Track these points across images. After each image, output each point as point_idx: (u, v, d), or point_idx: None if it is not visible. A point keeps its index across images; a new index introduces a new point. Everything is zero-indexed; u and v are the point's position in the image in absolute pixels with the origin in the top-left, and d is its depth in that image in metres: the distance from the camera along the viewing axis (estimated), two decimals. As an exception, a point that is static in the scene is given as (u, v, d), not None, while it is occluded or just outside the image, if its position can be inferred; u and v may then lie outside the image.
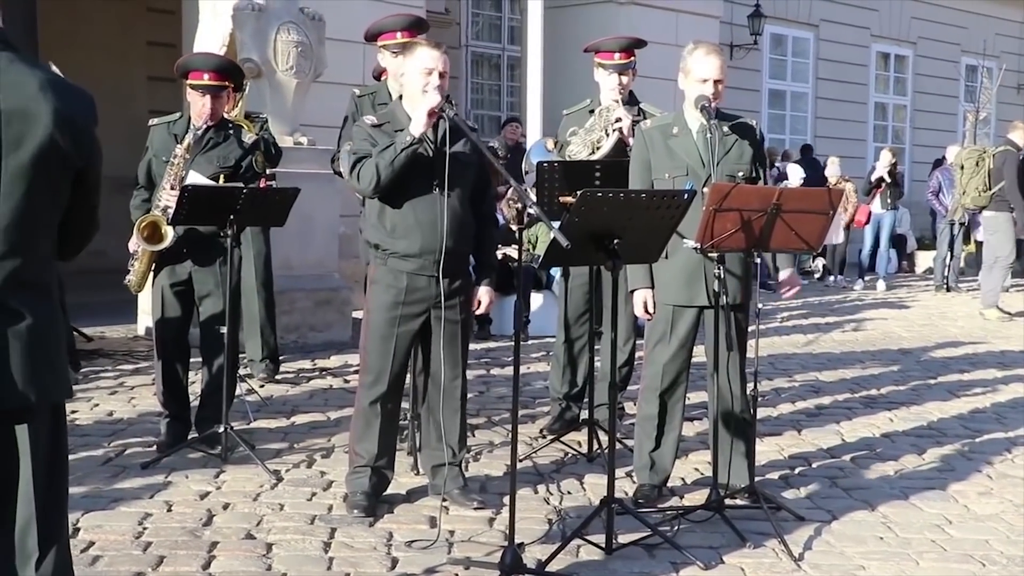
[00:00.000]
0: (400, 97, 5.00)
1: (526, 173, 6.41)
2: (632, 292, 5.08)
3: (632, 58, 6.25)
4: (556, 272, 6.20)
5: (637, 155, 5.19)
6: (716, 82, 4.94)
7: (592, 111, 6.30)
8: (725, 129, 4.98)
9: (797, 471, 5.77)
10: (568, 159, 6.10)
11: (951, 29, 22.76)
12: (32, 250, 2.57)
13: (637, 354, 6.08)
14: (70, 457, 5.52)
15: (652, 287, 5.01)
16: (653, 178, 5.07)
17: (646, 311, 5.04)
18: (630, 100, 6.25)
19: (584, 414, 6.20)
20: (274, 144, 7.56)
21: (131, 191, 5.97)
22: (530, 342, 9.44)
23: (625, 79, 6.20)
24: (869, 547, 4.64)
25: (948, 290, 15.38)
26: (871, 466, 5.90)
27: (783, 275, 5.20)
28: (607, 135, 6.07)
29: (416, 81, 4.75)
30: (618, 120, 6.04)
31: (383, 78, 6.45)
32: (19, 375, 2.54)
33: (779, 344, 10.09)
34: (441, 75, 4.72)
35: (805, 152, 18.21)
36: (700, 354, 5.18)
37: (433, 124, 4.72)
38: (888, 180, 15.70)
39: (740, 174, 4.97)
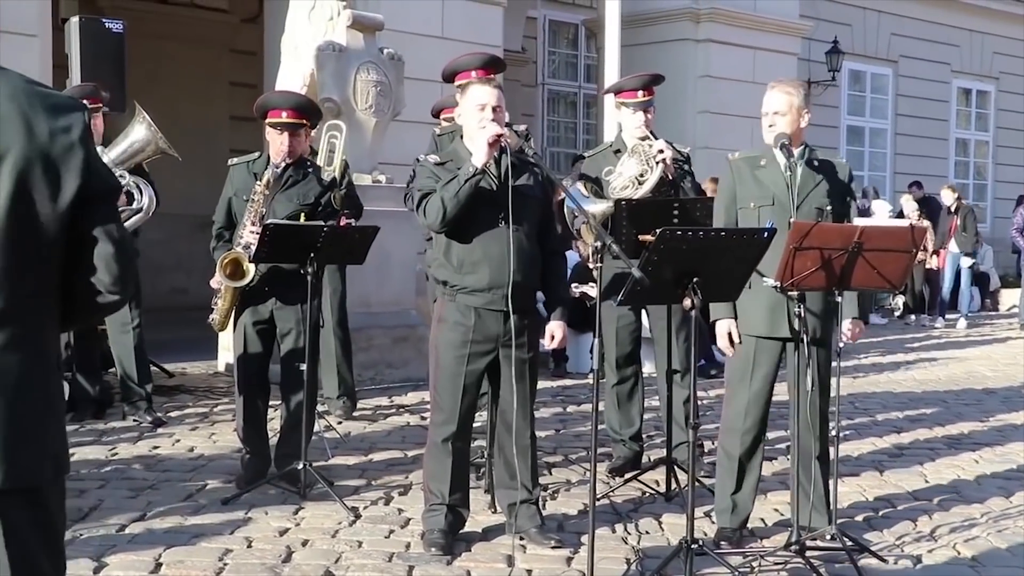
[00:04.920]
0: (461, 137, 5.07)
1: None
2: (714, 323, 5.03)
3: (652, 95, 6.33)
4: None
5: (725, 187, 5.21)
6: (774, 114, 4.99)
7: (617, 151, 6.34)
8: (815, 163, 5.01)
9: (880, 513, 5.67)
10: (611, 195, 6.11)
11: (1035, 64, 22.42)
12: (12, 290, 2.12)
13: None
14: (149, 490, 5.63)
15: (735, 317, 4.95)
16: (738, 207, 5.06)
17: (730, 342, 4.97)
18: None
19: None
20: (356, 196, 7.61)
21: (211, 230, 6.05)
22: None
23: (649, 115, 6.30)
24: (956, 592, 4.55)
25: (1033, 328, 15.08)
26: (956, 508, 5.78)
27: (846, 325, 5.06)
28: (651, 168, 6.10)
29: (472, 118, 4.84)
30: (660, 152, 6.10)
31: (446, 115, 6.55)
32: None
33: (860, 383, 9.94)
34: (495, 109, 4.79)
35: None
36: (780, 392, 5.11)
37: (496, 158, 4.77)
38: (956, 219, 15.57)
39: (828, 208, 4.95)
